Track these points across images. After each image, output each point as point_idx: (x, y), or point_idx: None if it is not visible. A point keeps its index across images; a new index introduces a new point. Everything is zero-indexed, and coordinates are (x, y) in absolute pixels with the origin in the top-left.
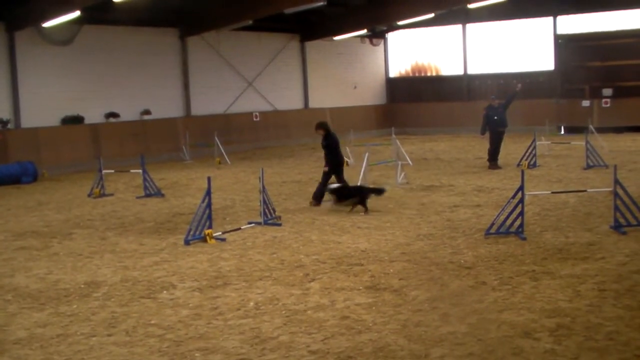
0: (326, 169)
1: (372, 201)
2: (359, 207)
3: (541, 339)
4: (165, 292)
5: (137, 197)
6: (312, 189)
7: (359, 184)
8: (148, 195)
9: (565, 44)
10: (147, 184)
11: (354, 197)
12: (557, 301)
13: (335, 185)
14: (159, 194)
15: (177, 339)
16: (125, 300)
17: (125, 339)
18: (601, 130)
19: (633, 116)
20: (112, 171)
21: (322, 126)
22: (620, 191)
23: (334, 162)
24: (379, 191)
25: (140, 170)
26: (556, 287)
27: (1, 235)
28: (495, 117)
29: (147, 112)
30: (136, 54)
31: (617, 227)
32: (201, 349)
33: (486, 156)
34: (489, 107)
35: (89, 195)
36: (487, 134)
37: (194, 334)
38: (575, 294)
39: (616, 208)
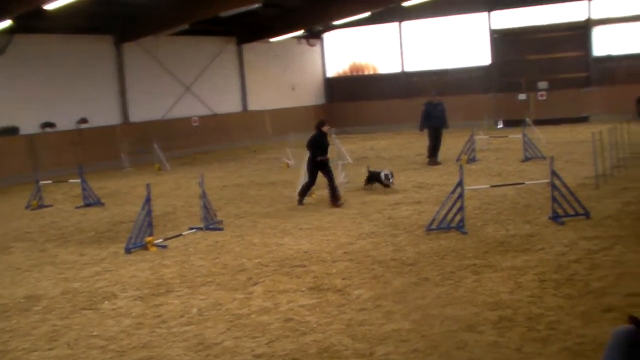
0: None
1: (313, 201)
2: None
3: (484, 332)
4: (107, 302)
5: (77, 207)
6: (254, 192)
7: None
8: (87, 205)
9: (500, 39)
10: (86, 194)
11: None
12: (499, 294)
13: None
14: (98, 203)
15: (120, 349)
16: (66, 313)
17: (67, 352)
18: (538, 122)
19: (568, 108)
20: (50, 182)
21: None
22: (557, 182)
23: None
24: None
25: (79, 180)
26: (498, 279)
27: None
28: (435, 114)
29: (84, 120)
30: (71, 62)
31: (555, 218)
32: (145, 358)
33: (426, 153)
34: (428, 103)
35: (26, 208)
36: (426, 131)
37: (137, 343)
38: (516, 285)
39: (554, 199)
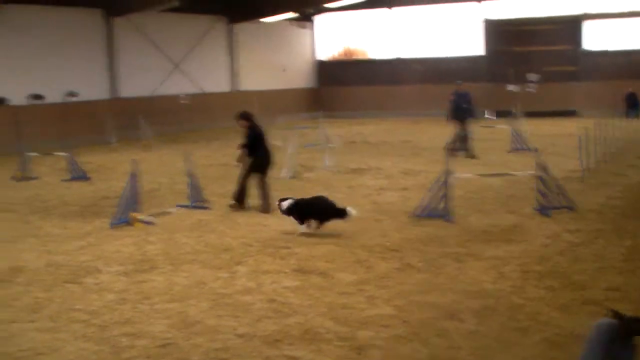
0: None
1: (299, 183)
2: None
3: (465, 320)
4: (90, 276)
5: (62, 180)
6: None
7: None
8: (73, 179)
9: (491, 29)
10: (72, 167)
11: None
12: (481, 282)
13: (288, 202)
14: (84, 177)
15: (103, 323)
16: (49, 286)
17: (49, 325)
18: (526, 114)
19: (557, 101)
20: (37, 154)
21: (244, 116)
22: (544, 175)
23: (259, 160)
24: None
25: (65, 153)
26: (480, 268)
27: None
28: (462, 104)
29: (72, 94)
30: (60, 35)
31: (540, 209)
32: (127, 333)
33: (411, 140)
34: (455, 93)
35: (11, 179)
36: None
37: (119, 318)
38: (498, 275)
39: (539, 191)
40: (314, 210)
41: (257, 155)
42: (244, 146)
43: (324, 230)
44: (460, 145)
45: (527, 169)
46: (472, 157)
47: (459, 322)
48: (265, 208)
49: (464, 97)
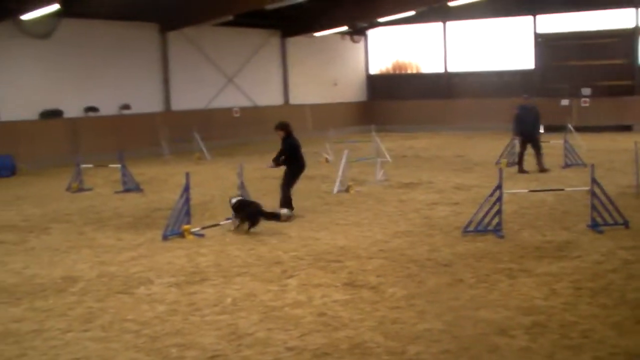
0: (273, 167)
1: (350, 197)
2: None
3: (517, 337)
4: (142, 287)
5: (116, 192)
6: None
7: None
8: (127, 190)
9: (544, 43)
10: (126, 179)
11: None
12: (533, 299)
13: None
14: (137, 189)
15: (154, 334)
16: (102, 296)
17: (101, 335)
18: (580, 129)
19: (611, 116)
20: (91, 165)
21: (280, 127)
22: (597, 190)
23: (296, 168)
24: (274, 216)
25: (119, 165)
26: (532, 285)
27: None
28: (528, 119)
29: (126, 106)
30: (116, 49)
31: (593, 226)
32: (177, 344)
33: (464, 155)
34: (521, 107)
35: (67, 190)
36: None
37: (170, 329)
38: (551, 292)
39: (593, 207)
40: (248, 211)
41: (293, 164)
42: (280, 154)
43: (375, 245)
44: (520, 160)
45: (581, 184)
46: (544, 170)
47: (510, 338)
48: (277, 214)
49: (530, 111)
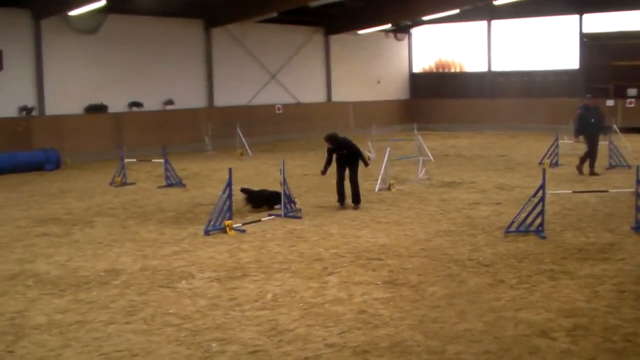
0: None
1: (392, 195)
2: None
3: (558, 339)
4: (184, 281)
5: (159, 187)
6: (334, 182)
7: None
8: (169, 185)
9: (590, 43)
10: (169, 174)
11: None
12: (575, 301)
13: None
14: (180, 184)
15: (195, 328)
16: (144, 289)
17: (143, 327)
18: (625, 130)
19: None
20: (134, 160)
21: (327, 139)
22: None
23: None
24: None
25: (162, 160)
26: (574, 287)
27: (23, 221)
28: (592, 119)
29: (170, 102)
30: (160, 44)
31: (638, 228)
32: (218, 339)
33: (506, 154)
34: (583, 107)
35: (110, 184)
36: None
37: (211, 324)
38: (593, 294)
39: (637, 209)
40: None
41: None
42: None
43: (416, 244)
44: (583, 160)
45: (626, 186)
46: (595, 174)
47: (552, 340)
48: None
49: (593, 111)
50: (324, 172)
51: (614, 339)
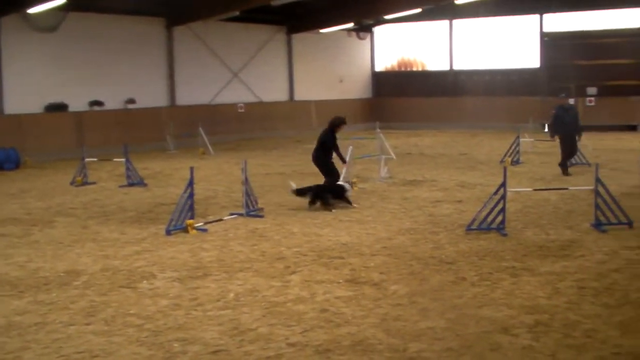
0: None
1: (354, 194)
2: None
3: (519, 335)
4: (145, 281)
5: (120, 186)
6: (296, 181)
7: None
8: (131, 185)
9: (551, 42)
10: (130, 173)
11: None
12: (536, 298)
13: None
14: (141, 183)
15: (156, 329)
16: (105, 290)
17: (104, 328)
18: (585, 128)
19: (617, 115)
20: (96, 159)
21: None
22: (601, 190)
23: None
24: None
25: (124, 159)
26: (535, 283)
27: None
28: (566, 119)
29: (131, 101)
30: (122, 43)
31: (597, 225)
32: (180, 339)
33: (468, 153)
34: (559, 107)
35: (71, 184)
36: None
37: (172, 324)
38: (554, 291)
39: (597, 206)
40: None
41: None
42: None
43: (378, 242)
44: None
45: (586, 184)
46: (566, 174)
47: (513, 337)
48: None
49: (568, 111)
50: (344, 161)
51: (574, 334)
